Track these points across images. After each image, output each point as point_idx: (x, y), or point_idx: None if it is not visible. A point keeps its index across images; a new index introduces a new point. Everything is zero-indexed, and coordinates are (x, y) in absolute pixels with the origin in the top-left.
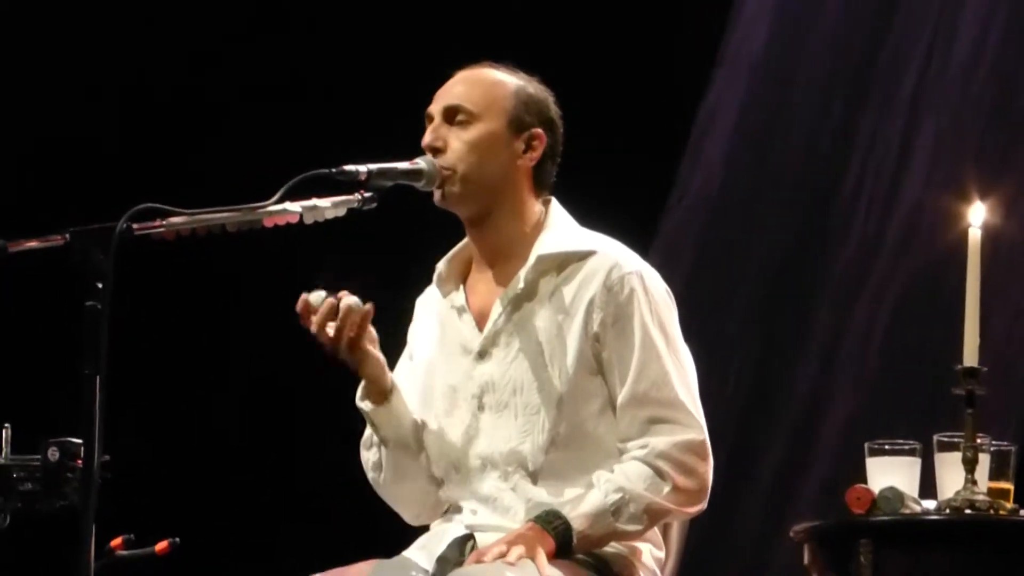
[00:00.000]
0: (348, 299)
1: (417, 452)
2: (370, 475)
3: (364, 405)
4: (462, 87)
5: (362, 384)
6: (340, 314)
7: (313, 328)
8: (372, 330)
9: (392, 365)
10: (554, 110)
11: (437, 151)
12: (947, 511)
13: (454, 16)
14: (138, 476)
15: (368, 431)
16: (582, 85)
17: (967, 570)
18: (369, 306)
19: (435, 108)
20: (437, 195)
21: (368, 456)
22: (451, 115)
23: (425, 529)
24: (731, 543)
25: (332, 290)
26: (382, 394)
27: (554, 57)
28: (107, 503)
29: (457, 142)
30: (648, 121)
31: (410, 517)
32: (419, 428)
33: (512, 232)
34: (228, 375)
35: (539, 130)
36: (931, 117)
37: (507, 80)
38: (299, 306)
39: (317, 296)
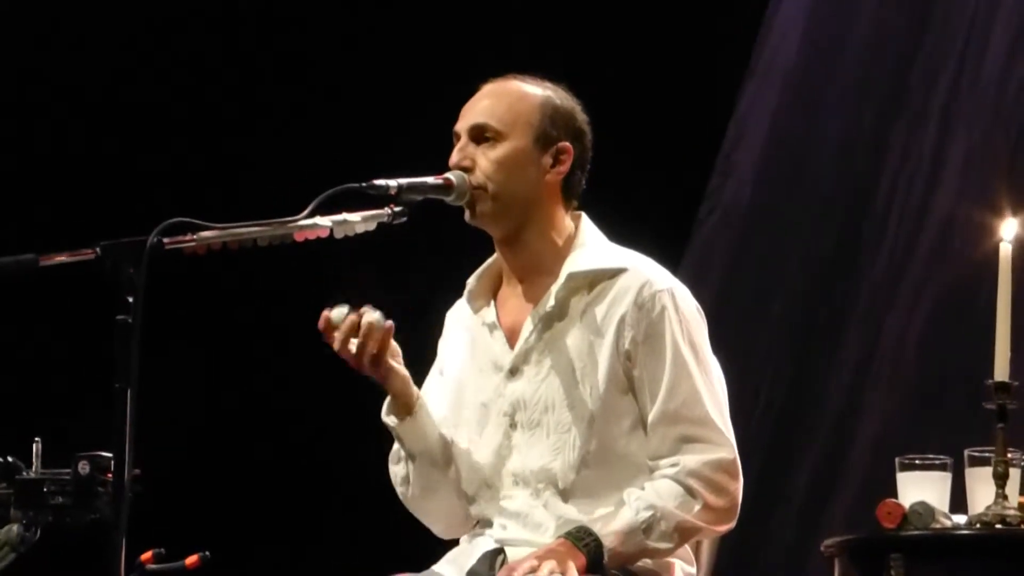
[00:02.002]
0: (369, 315)
1: (445, 466)
2: (399, 489)
3: (389, 420)
4: (487, 103)
5: (387, 399)
6: (361, 331)
7: (335, 346)
8: (395, 345)
9: (422, 378)
10: (581, 119)
11: (465, 170)
12: (978, 526)
13: (486, 30)
14: (169, 490)
15: (396, 446)
16: (612, 98)
17: None
18: (389, 323)
19: (461, 126)
20: (468, 214)
21: (396, 471)
22: (478, 133)
23: (455, 543)
24: (763, 557)
25: (355, 304)
26: (407, 408)
27: (585, 70)
28: (138, 517)
29: (485, 160)
30: (678, 134)
31: (440, 531)
32: (447, 442)
33: (542, 248)
34: (257, 389)
35: (566, 143)
36: (962, 130)
37: (533, 93)
38: (321, 324)
39: (339, 313)
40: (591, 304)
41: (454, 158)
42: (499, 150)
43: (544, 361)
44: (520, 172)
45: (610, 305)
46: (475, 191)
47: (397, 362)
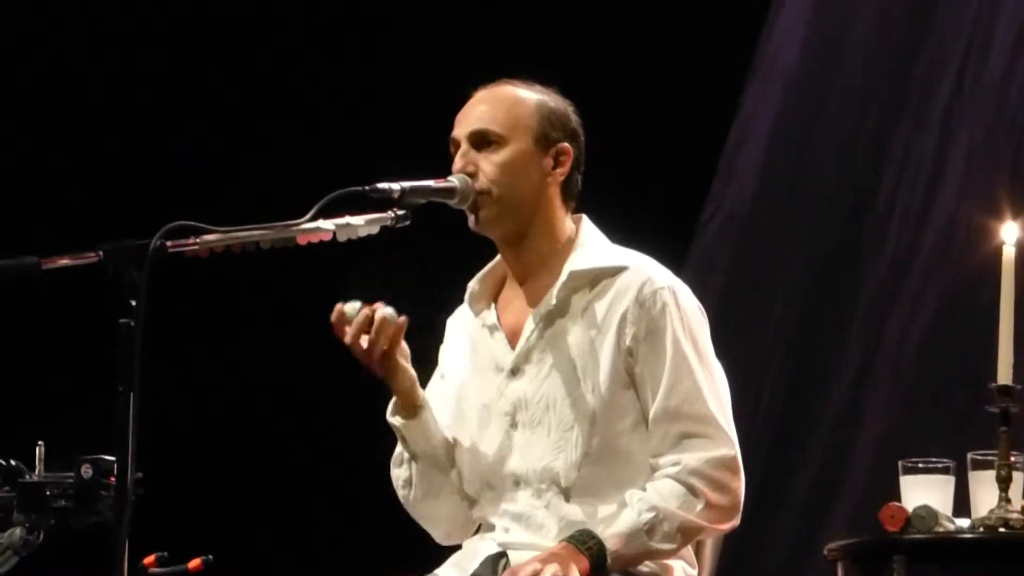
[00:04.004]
0: (383, 311)
1: (448, 468)
2: (400, 493)
3: (395, 420)
4: (485, 109)
5: (393, 400)
6: (374, 327)
7: (347, 340)
8: (405, 345)
9: (423, 384)
10: (575, 119)
11: (469, 176)
12: (981, 529)
13: (487, 34)
14: (171, 493)
15: (399, 448)
16: (615, 101)
17: None
18: (403, 319)
19: (460, 133)
20: (472, 220)
21: (399, 474)
22: (478, 139)
23: (457, 547)
24: (765, 560)
25: (368, 301)
26: (413, 408)
27: (586, 73)
28: (140, 520)
29: (488, 165)
30: (681, 137)
31: (440, 536)
32: (450, 445)
33: (544, 249)
34: (262, 392)
35: (565, 144)
36: (964, 132)
37: (528, 97)
38: (333, 317)
39: (352, 307)
40: (592, 301)
41: (457, 164)
42: (502, 154)
43: (545, 360)
44: (524, 175)
45: (611, 302)
46: (480, 196)
47: (406, 362)
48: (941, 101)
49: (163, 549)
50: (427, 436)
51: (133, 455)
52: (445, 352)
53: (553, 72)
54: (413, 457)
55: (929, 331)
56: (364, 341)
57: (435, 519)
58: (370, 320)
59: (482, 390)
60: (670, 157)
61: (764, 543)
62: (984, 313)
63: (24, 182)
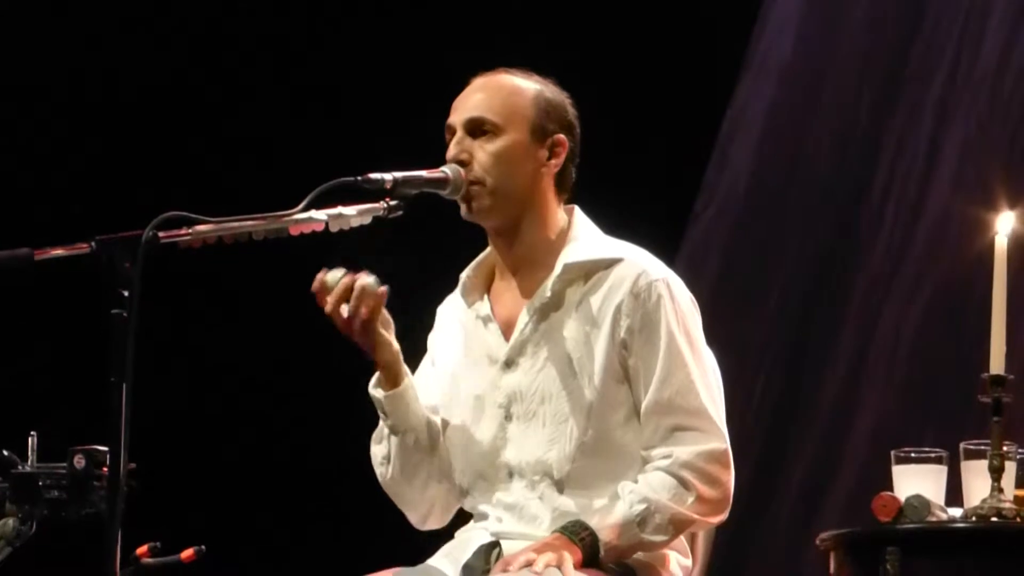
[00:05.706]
0: (364, 279)
1: (429, 450)
2: (378, 471)
3: (376, 392)
4: (482, 97)
5: (376, 374)
6: (354, 295)
7: (328, 308)
8: (387, 314)
9: (412, 371)
10: (572, 112)
11: (463, 164)
12: (973, 519)
13: (483, 26)
14: (164, 484)
15: (380, 425)
16: (609, 92)
17: None
18: (383, 288)
19: (456, 120)
20: (464, 208)
21: (378, 451)
22: (474, 127)
23: (449, 536)
24: (758, 550)
25: (351, 269)
26: (395, 382)
27: (581, 64)
28: (133, 511)
29: (483, 154)
30: (674, 128)
31: (417, 519)
32: (434, 426)
33: (537, 240)
34: (254, 382)
35: (561, 136)
36: (958, 123)
37: (526, 87)
38: (315, 286)
39: (334, 276)
40: (587, 294)
41: (451, 151)
42: (497, 143)
43: (540, 352)
44: (518, 166)
45: (606, 294)
46: (473, 186)
47: (389, 333)
48: (935, 92)
49: (156, 540)
50: (409, 411)
51: (126, 446)
52: (435, 339)
53: (548, 63)
54: (392, 431)
55: (923, 322)
56: (344, 310)
57: (411, 501)
58: (350, 289)
59: (476, 381)
60: (664, 147)
61: (759, 533)
62: (978, 304)
63: (18, 174)
